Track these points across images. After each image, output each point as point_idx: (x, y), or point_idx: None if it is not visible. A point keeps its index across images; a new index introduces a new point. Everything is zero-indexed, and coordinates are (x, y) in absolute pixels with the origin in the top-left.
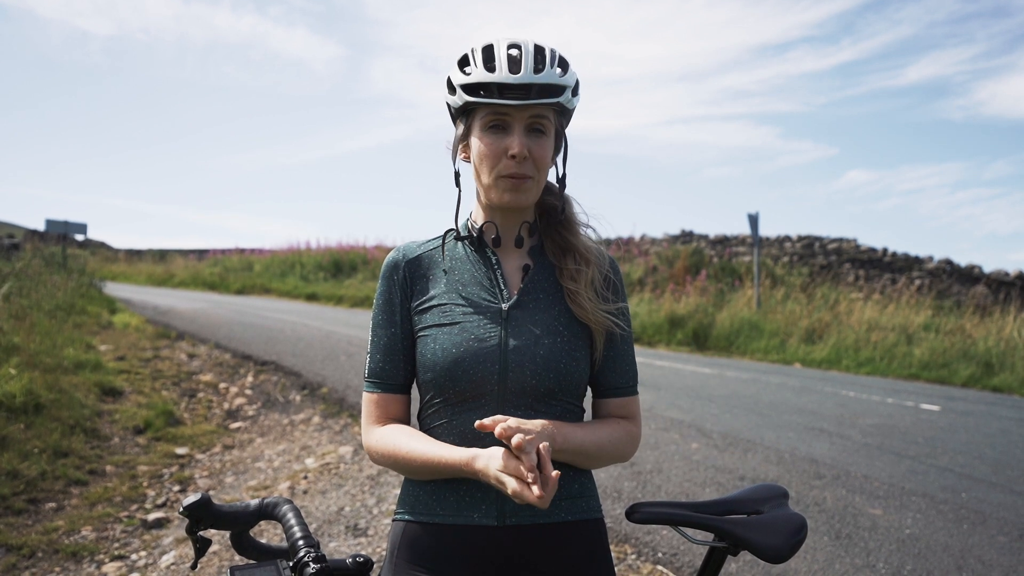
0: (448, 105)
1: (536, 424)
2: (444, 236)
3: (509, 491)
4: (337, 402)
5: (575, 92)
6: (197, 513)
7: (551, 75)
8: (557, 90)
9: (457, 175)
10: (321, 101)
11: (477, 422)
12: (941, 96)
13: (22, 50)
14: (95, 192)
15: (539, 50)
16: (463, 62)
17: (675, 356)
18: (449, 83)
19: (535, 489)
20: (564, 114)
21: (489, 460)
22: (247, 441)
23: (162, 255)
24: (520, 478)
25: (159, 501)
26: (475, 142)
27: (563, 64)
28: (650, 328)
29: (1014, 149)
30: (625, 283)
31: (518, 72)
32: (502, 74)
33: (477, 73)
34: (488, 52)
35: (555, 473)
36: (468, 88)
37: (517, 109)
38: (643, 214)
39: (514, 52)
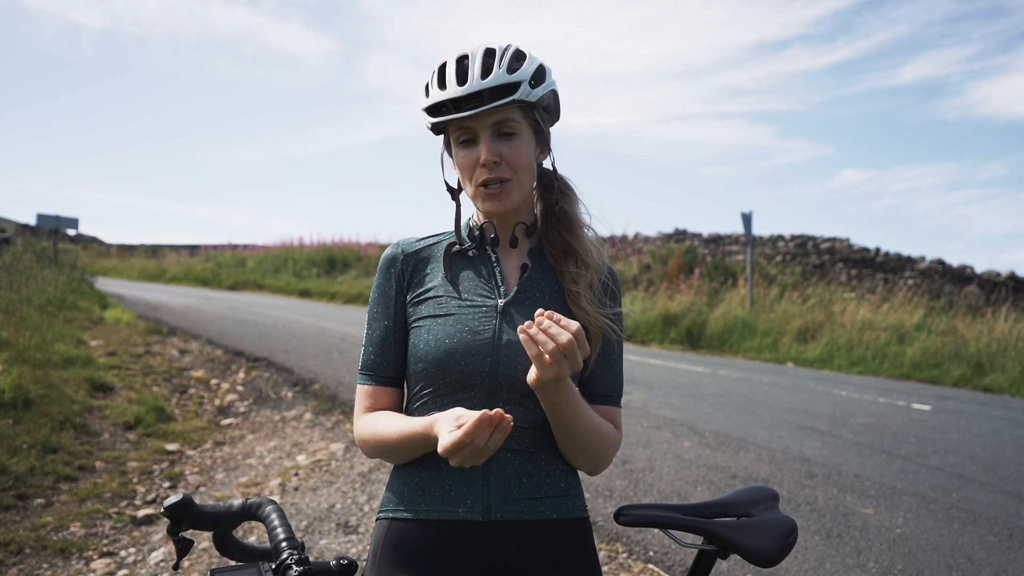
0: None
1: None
2: (444, 235)
3: (449, 443)
4: (329, 399)
5: (537, 83)
6: (179, 514)
7: (499, 76)
8: (510, 88)
9: (452, 190)
10: (315, 96)
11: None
12: (936, 96)
13: (12, 42)
14: (87, 187)
15: (488, 53)
16: (427, 87)
17: (668, 354)
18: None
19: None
20: (536, 108)
21: (443, 423)
22: (238, 438)
23: (154, 250)
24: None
25: (149, 497)
26: (454, 158)
27: (518, 58)
28: (643, 326)
29: (1008, 150)
30: (619, 281)
31: (465, 83)
32: (452, 89)
33: (434, 94)
34: (441, 71)
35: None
36: (430, 110)
37: (476, 119)
38: (637, 212)
39: (464, 64)
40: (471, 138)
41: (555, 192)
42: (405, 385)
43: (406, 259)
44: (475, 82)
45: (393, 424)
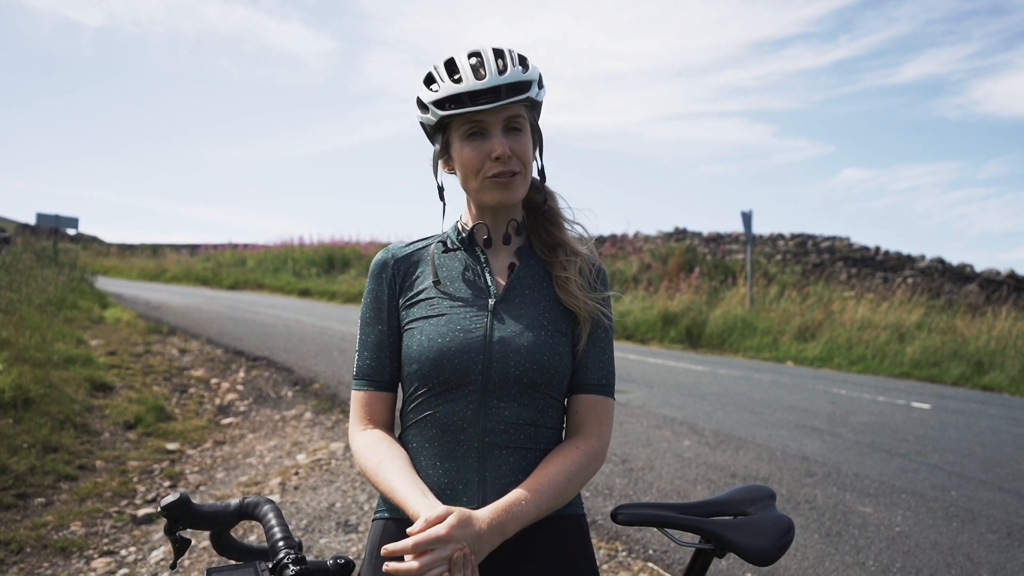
0: (422, 124)
1: (482, 522)
2: (432, 239)
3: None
4: (329, 398)
5: (540, 85)
6: (176, 513)
7: (515, 73)
8: (524, 86)
9: (440, 189)
10: (315, 95)
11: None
12: (937, 95)
13: (11, 41)
14: (87, 186)
15: (499, 53)
16: (428, 80)
17: (668, 353)
18: (420, 102)
19: None
20: (534, 107)
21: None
22: (238, 437)
23: (154, 250)
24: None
25: (149, 497)
26: (457, 153)
27: (523, 61)
28: (643, 325)
29: (1009, 148)
30: (619, 280)
31: (483, 77)
32: (469, 83)
33: (445, 87)
34: (451, 65)
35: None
36: (439, 103)
37: (491, 113)
38: (637, 211)
39: (475, 60)
40: (480, 132)
41: (542, 191)
42: (400, 388)
43: (396, 263)
44: (494, 77)
45: (384, 471)
